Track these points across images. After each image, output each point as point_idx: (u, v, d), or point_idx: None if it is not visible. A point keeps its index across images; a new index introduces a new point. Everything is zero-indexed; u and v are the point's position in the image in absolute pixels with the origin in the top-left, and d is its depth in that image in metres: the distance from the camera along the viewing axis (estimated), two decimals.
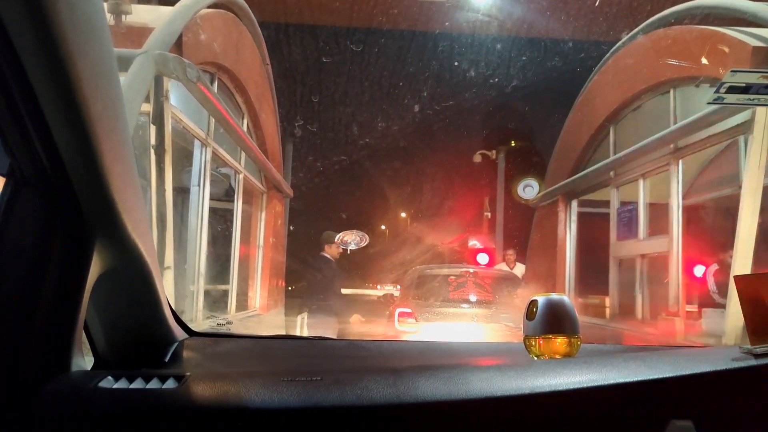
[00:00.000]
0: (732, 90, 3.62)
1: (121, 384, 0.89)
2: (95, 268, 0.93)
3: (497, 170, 12.52)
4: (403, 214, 23.85)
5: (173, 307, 1.34)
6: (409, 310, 5.64)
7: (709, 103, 4.10)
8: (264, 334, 1.54)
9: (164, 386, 0.89)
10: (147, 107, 4.14)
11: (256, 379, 0.91)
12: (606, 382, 0.91)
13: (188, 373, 0.94)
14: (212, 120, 5.68)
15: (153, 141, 4.17)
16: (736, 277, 1.10)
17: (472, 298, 5.84)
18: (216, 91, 5.82)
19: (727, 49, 4.89)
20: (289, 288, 10.02)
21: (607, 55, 7.96)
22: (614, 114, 7.53)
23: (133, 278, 1.09)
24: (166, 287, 3.97)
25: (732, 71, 3.61)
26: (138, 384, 0.90)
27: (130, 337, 1.17)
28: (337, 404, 0.87)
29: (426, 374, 0.96)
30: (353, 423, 0.86)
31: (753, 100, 3.68)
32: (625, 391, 0.91)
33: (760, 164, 4.39)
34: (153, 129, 4.18)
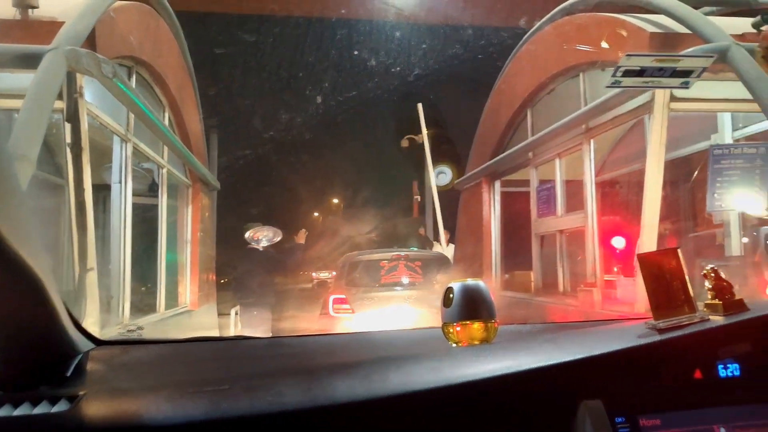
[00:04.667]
0: (628, 73, 3.81)
1: (5, 411, 0.82)
2: None
3: (422, 156, 12.72)
4: (336, 200, 24.06)
5: (88, 313, 1.26)
6: (343, 296, 5.67)
7: (607, 87, 4.29)
8: (180, 338, 1.47)
9: (53, 410, 0.83)
10: (61, 104, 3.95)
11: (159, 393, 0.87)
12: (520, 369, 0.94)
13: (83, 392, 0.87)
14: (131, 115, 5.42)
15: (68, 139, 4.02)
16: (639, 256, 1.16)
17: (404, 280, 5.94)
18: (134, 85, 5.61)
19: (625, 34, 5.15)
20: (221, 281, 9.83)
21: (520, 42, 8.22)
22: (530, 98, 7.78)
23: (21, 294, 1.00)
24: (90, 290, 3.84)
25: (627, 55, 3.80)
26: (23, 409, 0.82)
27: (26, 354, 1.08)
28: (246, 413, 0.84)
29: (342, 373, 0.95)
30: None
31: (647, 82, 3.90)
32: (539, 376, 0.93)
33: (661, 141, 4.69)
34: (68, 127, 4.02)
